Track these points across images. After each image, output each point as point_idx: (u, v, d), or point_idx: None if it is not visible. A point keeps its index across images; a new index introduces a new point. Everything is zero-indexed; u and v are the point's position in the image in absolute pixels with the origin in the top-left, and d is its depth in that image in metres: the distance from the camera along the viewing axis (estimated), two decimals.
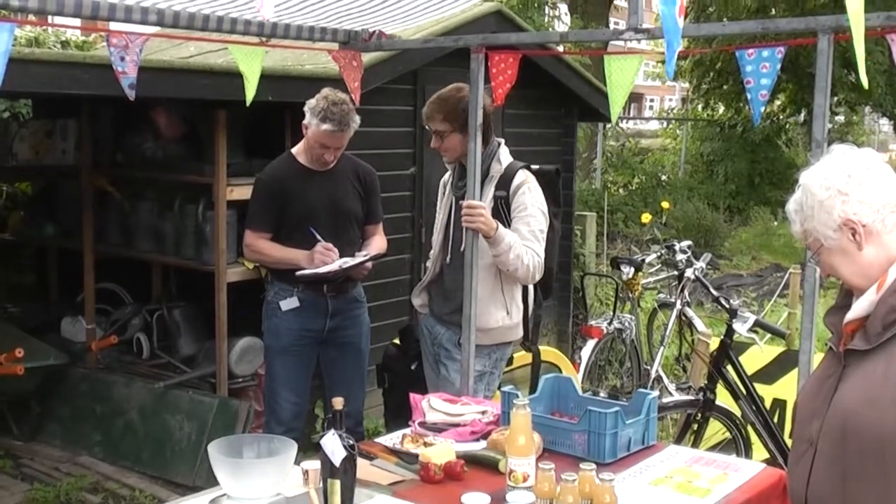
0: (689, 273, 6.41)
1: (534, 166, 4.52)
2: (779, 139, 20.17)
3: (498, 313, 4.39)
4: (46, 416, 6.44)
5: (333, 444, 2.82)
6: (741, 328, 5.13)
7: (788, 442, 5.00)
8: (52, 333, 6.89)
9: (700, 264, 6.45)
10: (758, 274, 13.81)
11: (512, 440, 2.97)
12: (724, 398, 5.23)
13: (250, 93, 3.88)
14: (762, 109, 3.52)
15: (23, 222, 7.58)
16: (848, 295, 2.37)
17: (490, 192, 4.37)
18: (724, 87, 18.78)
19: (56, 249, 7.49)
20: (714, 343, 5.46)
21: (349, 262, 4.63)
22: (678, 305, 6.62)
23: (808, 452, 2.30)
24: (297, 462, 3.02)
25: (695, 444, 4.93)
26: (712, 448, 5.03)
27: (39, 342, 6.39)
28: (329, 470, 2.83)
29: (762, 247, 15.61)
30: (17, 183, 8.21)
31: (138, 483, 5.75)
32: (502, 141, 4.53)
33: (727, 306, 5.25)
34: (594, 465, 2.85)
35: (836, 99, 17.73)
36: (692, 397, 5.15)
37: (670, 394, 5.91)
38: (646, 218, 9.57)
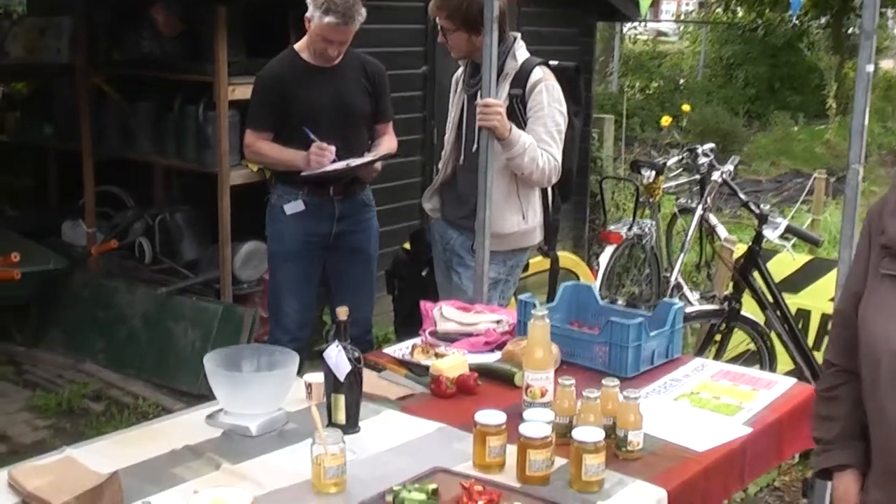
0: (715, 176, 6.11)
1: (552, 62, 4.27)
2: (800, 43, 19.75)
3: (513, 217, 4.20)
4: (48, 322, 6.29)
5: (338, 357, 2.63)
6: (772, 234, 4.88)
7: (816, 354, 4.85)
8: (52, 238, 6.70)
9: (728, 167, 6.16)
10: (777, 180, 13.53)
11: (529, 353, 2.76)
12: (748, 307, 5.02)
13: None
14: (801, 3, 3.25)
15: (19, 123, 7.33)
16: None
17: (505, 90, 4.12)
18: None
19: (55, 152, 7.25)
20: (739, 250, 5.22)
21: (356, 160, 4.40)
22: (699, 211, 6.35)
23: None
24: (301, 374, 2.84)
25: (717, 356, 4.74)
26: (735, 359, 4.83)
27: (38, 246, 6.22)
28: (333, 384, 2.65)
29: (781, 152, 15.28)
30: (12, 83, 7.94)
31: (142, 391, 5.63)
32: (518, 36, 4.26)
33: (757, 211, 4.98)
34: (617, 381, 2.66)
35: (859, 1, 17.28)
36: (716, 307, 4.93)
37: (690, 302, 5.70)
38: (665, 121, 9.28)
